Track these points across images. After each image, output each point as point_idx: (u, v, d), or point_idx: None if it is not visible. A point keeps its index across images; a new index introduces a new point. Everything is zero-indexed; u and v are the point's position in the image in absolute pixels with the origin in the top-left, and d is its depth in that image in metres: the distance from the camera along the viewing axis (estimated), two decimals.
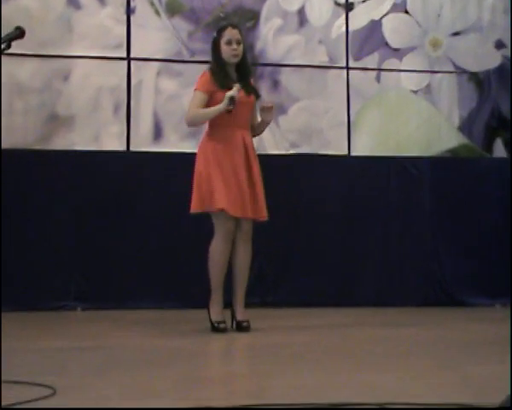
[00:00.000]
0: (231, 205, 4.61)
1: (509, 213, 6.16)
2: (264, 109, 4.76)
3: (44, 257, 5.71)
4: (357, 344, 4.35)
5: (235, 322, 4.73)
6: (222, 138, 4.70)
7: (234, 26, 4.80)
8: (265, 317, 4.96)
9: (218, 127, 4.70)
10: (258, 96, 4.85)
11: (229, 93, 4.57)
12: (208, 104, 4.68)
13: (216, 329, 4.64)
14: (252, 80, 4.87)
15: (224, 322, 4.67)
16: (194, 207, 4.70)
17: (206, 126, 4.81)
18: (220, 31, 4.78)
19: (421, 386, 3.08)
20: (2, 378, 3.01)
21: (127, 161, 5.95)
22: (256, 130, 4.88)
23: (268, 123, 4.85)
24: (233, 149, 4.68)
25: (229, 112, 4.59)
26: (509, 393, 2.44)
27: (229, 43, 4.71)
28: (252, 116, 4.84)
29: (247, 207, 4.65)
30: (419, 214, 6.26)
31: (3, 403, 2.62)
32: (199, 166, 4.72)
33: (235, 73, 4.76)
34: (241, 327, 4.68)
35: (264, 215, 4.73)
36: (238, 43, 4.73)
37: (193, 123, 4.83)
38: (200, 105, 4.67)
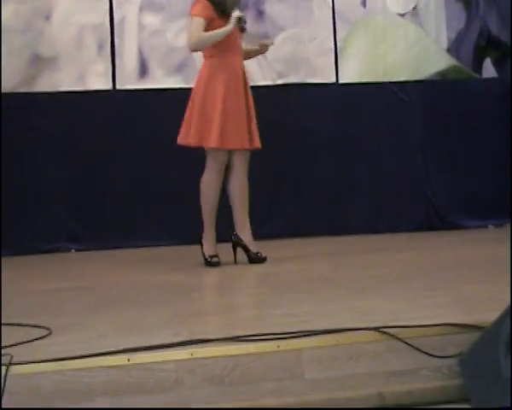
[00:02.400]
0: (229, 137, 4.56)
1: (509, 134, 6.14)
2: (263, 45, 4.78)
3: (35, 200, 5.70)
4: (351, 271, 4.37)
5: (246, 255, 4.69)
6: (223, 66, 4.63)
7: None
8: (260, 248, 4.95)
9: (217, 55, 4.63)
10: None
11: (237, 13, 4.57)
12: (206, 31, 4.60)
13: (209, 263, 4.64)
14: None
15: (216, 256, 4.66)
16: (188, 140, 4.63)
17: (201, 58, 4.73)
18: None
19: (415, 308, 3.11)
20: None
21: (114, 100, 5.89)
22: (244, 56, 4.81)
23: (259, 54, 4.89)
24: (233, 78, 4.62)
25: (242, 31, 4.63)
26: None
27: None
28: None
29: (245, 137, 4.60)
30: (409, 139, 6.24)
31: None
32: (197, 97, 4.63)
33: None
34: (258, 259, 4.67)
35: (258, 144, 4.70)
36: None
37: (198, 46, 4.66)
38: (201, 30, 4.59)
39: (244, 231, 4.70)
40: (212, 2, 4.62)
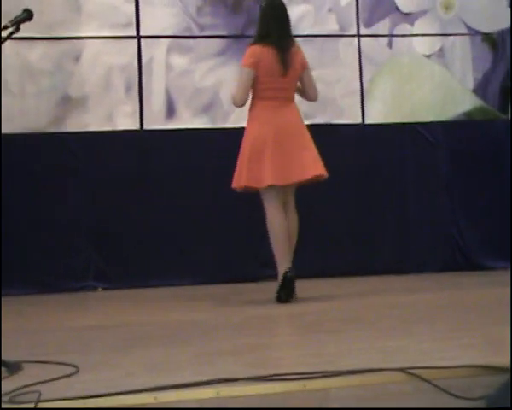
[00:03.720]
0: (274, 176, 4.63)
1: None
2: None
3: (62, 239, 5.75)
4: (376, 311, 4.35)
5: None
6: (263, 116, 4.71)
7: None
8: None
9: (255, 105, 4.74)
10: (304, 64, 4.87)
11: None
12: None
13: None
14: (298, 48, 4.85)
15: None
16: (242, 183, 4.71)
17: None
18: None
19: (441, 349, 3.08)
20: (25, 358, 3.05)
21: (141, 140, 5.95)
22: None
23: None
24: (265, 128, 4.67)
25: None
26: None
27: None
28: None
29: (278, 174, 4.63)
30: (435, 179, 6.24)
31: (27, 382, 2.65)
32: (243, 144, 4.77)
33: None
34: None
35: (309, 173, 4.73)
36: None
37: (237, 100, 4.71)
38: (248, 80, 4.65)
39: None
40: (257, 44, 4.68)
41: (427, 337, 3.37)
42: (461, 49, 6.47)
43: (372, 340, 3.38)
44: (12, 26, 3.28)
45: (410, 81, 6.41)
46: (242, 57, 4.74)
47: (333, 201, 6.07)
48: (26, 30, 3.47)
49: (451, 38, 6.46)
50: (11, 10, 3.90)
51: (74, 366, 2.93)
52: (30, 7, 3.28)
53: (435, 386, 2.57)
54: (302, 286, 5.40)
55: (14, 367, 2.93)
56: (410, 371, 2.61)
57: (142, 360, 3.11)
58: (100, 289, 5.75)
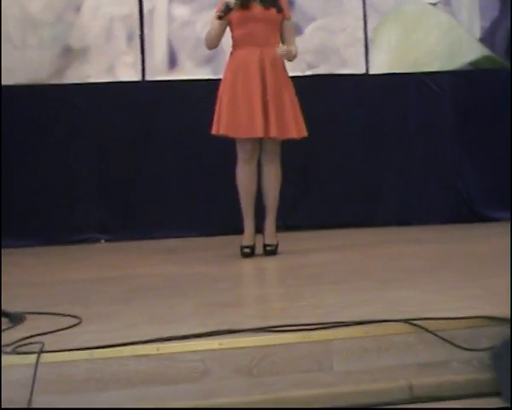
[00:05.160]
0: (240, 127, 4.51)
1: None
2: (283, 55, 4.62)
3: (65, 190, 5.75)
4: (380, 262, 4.34)
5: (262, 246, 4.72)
6: (238, 58, 4.60)
7: None
8: (287, 239, 4.95)
9: (236, 47, 4.64)
10: (279, 10, 4.63)
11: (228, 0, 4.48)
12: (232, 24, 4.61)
13: (242, 254, 4.64)
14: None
15: (249, 247, 4.66)
16: (212, 130, 4.65)
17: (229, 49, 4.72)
18: None
19: (445, 300, 3.07)
20: (28, 310, 3.06)
21: (143, 91, 5.90)
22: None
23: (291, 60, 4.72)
24: (246, 69, 4.56)
25: (219, 18, 4.51)
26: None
27: None
28: (276, 32, 4.65)
29: (259, 127, 4.50)
30: (440, 129, 6.18)
31: (30, 333, 2.66)
32: (220, 87, 4.66)
33: None
34: (266, 251, 4.68)
35: (292, 133, 4.60)
36: None
37: (207, 44, 4.72)
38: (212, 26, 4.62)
39: (268, 230, 4.70)
40: None
41: (431, 288, 3.36)
42: None
43: (376, 291, 3.37)
44: None
45: (415, 30, 6.32)
46: None
47: (336, 152, 6.03)
48: None
49: None
50: None
51: (77, 317, 2.94)
52: None
53: (439, 337, 2.56)
54: (304, 237, 5.41)
55: (17, 318, 2.93)
56: (414, 322, 2.60)
57: (145, 312, 3.12)
58: (102, 241, 5.75)
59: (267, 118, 4.53)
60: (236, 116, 4.53)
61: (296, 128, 4.64)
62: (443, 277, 3.70)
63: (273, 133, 4.54)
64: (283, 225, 5.43)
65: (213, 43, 4.71)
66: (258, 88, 4.55)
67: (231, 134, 4.58)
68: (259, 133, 4.53)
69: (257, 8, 4.57)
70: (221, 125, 4.56)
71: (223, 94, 4.60)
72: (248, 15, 4.57)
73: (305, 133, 4.69)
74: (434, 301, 3.06)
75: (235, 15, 4.56)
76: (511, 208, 5.91)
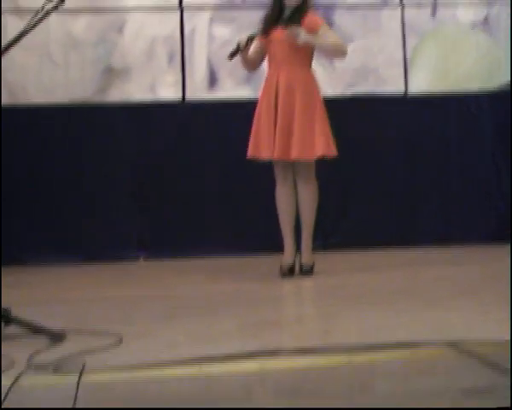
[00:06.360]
0: (261, 149, 4.60)
1: None
2: (289, 36, 4.59)
3: (105, 208, 5.78)
4: (422, 283, 4.32)
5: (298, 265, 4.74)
6: (265, 80, 4.73)
7: None
8: (327, 259, 4.94)
9: (269, 68, 4.74)
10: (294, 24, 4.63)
11: (240, 38, 4.67)
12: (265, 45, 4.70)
13: (281, 273, 4.65)
14: (308, 16, 4.67)
15: (289, 265, 4.67)
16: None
17: None
18: None
19: (490, 322, 3.04)
20: (68, 327, 3.07)
21: (183, 110, 5.95)
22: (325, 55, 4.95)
23: (302, 43, 4.59)
24: (267, 90, 4.66)
25: (231, 58, 4.69)
26: None
27: None
28: (300, 50, 4.63)
29: (274, 147, 4.55)
30: (480, 149, 6.13)
31: (72, 351, 2.67)
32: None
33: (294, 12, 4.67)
34: (303, 271, 4.69)
35: (311, 154, 4.60)
36: None
37: (245, 67, 4.86)
38: (252, 50, 4.70)
39: (305, 250, 4.73)
40: (265, 16, 4.74)
41: (475, 310, 3.33)
42: (506, 18, 6.34)
43: (418, 312, 3.35)
44: None
45: (454, 50, 6.30)
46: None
47: (376, 172, 6.01)
48: (70, 1, 3.48)
49: (496, 6, 6.33)
50: None
51: (118, 335, 2.95)
52: None
53: (483, 360, 2.53)
54: (344, 258, 5.39)
55: (58, 337, 2.95)
56: (458, 344, 2.57)
57: (186, 331, 3.13)
58: (142, 260, 5.77)
59: (286, 140, 4.56)
60: (259, 139, 4.62)
61: (321, 148, 4.62)
62: (485, 298, 3.66)
63: (293, 155, 4.58)
64: (323, 244, 5.42)
65: (250, 67, 4.85)
66: (273, 109, 4.61)
67: (254, 156, 4.66)
68: (276, 155, 4.57)
69: (278, 31, 4.65)
70: (249, 149, 4.67)
71: (255, 118, 4.71)
72: (271, 38, 4.69)
73: (332, 152, 4.69)
74: (477, 324, 3.03)
75: (274, 36, 4.64)
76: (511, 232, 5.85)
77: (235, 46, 4.66)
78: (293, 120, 4.59)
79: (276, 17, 4.70)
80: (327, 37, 4.66)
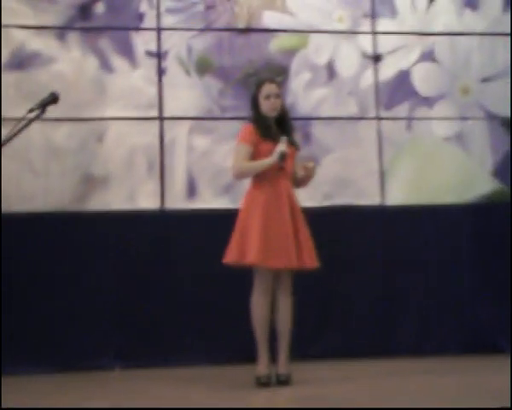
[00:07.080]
0: (271, 257, 4.58)
1: None
2: (307, 169, 4.77)
3: (83, 317, 5.74)
4: (402, 394, 4.28)
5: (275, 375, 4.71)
6: (268, 190, 4.70)
7: (271, 81, 4.85)
8: (306, 369, 4.91)
9: (263, 179, 4.72)
10: (298, 148, 4.87)
11: (281, 148, 4.62)
12: (252, 156, 4.72)
13: (258, 383, 4.62)
14: (293, 133, 4.87)
15: (266, 376, 4.64)
16: (228, 258, 4.69)
17: (250, 178, 4.83)
18: (258, 86, 4.82)
19: None
20: None
21: (162, 219, 5.99)
22: (296, 183, 4.88)
23: (309, 180, 4.85)
24: (278, 200, 4.68)
25: (281, 168, 4.66)
26: None
27: (267, 97, 4.76)
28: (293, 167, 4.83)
29: (292, 257, 4.60)
30: (456, 260, 6.22)
31: None
32: (241, 216, 4.73)
33: (275, 126, 4.78)
34: (280, 381, 4.65)
35: (311, 263, 4.69)
36: (276, 96, 4.78)
37: (241, 176, 4.82)
38: (245, 157, 4.71)
39: (282, 360, 4.71)
40: (255, 125, 4.75)
41: None
42: (480, 132, 6.52)
43: None
44: (38, 108, 3.36)
45: (429, 163, 6.45)
46: None
47: (354, 281, 6.05)
48: (51, 111, 3.56)
49: (470, 121, 6.51)
50: (39, 92, 4.01)
51: None
52: (56, 88, 3.35)
53: None
54: (325, 367, 5.35)
55: None
56: None
57: None
58: (117, 370, 5.69)
59: (299, 248, 4.64)
60: (271, 247, 4.59)
61: (313, 259, 4.71)
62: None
63: (308, 264, 4.66)
64: (302, 354, 5.40)
65: (247, 177, 4.83)
66: (290, 219, 4.66)
67: (237, 262, 4.64)
68: (295, 264, 4.61)
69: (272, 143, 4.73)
70: (250, 255, 4.57)
71: (250, 223, 4.65)
72: (267, 149, 4.72)
73: (317, 263, 4.75)
74: None
75: (264, 149, 4.70)
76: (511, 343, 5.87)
77: (279, 153, 4.63)
78: (298, 229, 4.68)
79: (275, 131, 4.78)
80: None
